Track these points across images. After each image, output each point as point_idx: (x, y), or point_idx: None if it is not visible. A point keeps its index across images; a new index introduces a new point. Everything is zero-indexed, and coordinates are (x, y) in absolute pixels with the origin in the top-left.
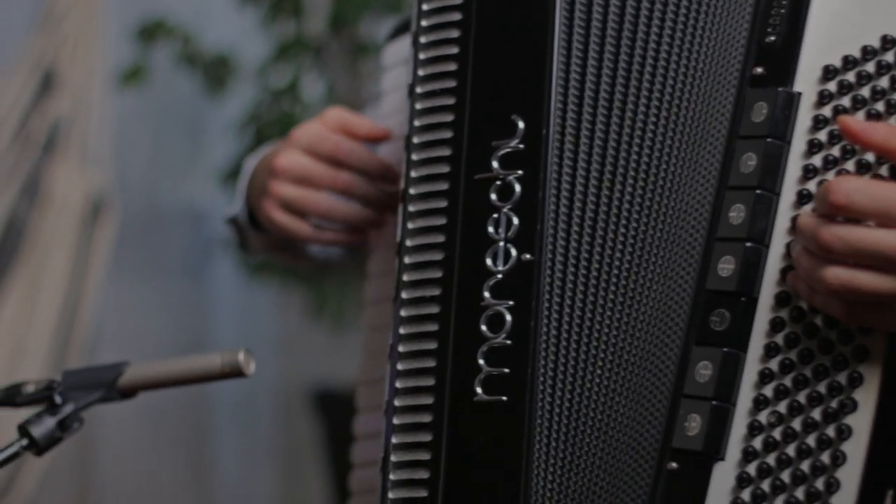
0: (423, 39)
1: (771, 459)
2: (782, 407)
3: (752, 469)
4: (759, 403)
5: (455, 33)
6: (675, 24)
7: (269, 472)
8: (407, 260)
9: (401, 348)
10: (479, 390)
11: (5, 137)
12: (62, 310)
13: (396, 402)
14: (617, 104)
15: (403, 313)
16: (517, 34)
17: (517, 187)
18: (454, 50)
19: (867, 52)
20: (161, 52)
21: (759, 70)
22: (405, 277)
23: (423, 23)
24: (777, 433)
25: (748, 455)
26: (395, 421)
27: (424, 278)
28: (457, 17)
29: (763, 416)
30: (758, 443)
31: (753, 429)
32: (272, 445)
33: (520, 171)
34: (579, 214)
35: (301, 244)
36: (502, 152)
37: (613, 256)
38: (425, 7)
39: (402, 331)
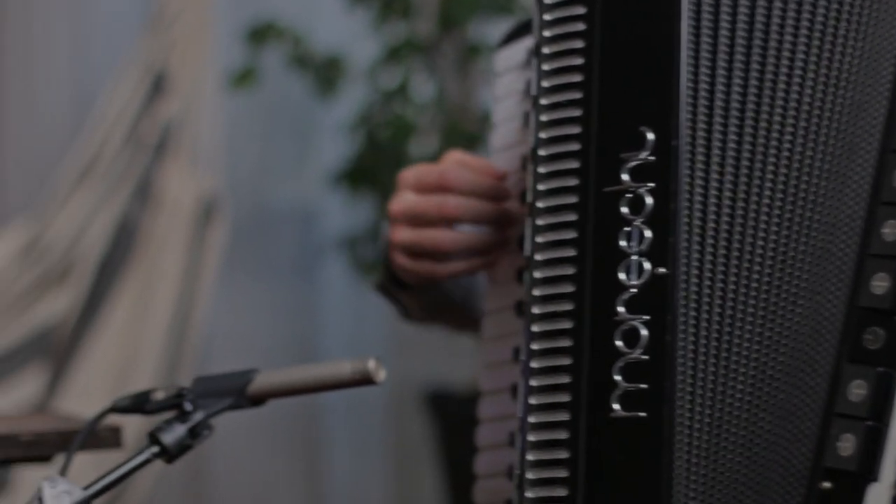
0: (546, 50)
1: None
2: None
3: None
4: None
5: (579, 44)
6: (811, 31)
7: (382, 474)
8: (537, 274)
9: (534, 364)
10: (616, 406)
11: (117, 139)
12: (175, 313)
13: (531, 419)
14: (750, 113)
15: (535, 329)
16: (643, 43)
17: (648, 200)
18: (579, 61)
19: None
20: (271, 54)
21: None
22: (536, 292)
23: (546, 33)
24: None
25: None
26: (531, 438)
27: (556, 293)
28: (580, 27)
29: None
30: None
31: None
32: (385, 447)
33: (651, 184)
34: (713, 227)
35: (468, 302)
36: (632, 164)
37: (752, 269)
38: (547, 17)
39: (534, 346)
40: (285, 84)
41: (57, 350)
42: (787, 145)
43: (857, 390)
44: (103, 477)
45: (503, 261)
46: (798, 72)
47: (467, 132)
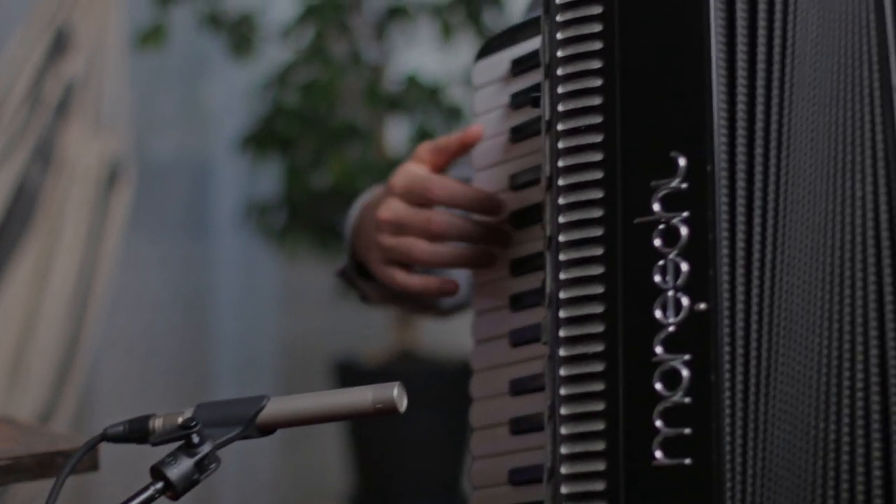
0: (560, 71)
1: None
2: None
3: None
4: None
5: (597, 63)
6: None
7: (275, 442)
8: (563, 314)
9: (563, 411)
10: (658, 454)
11: (16, 98)
12: (78, 277)
13: (563, 470)
14: (788, 134)
15: (563, 372)
16: (669, 61)
17: (683, 230)
18: (598, 82)
19: None
20: (182, 12)
21: None
22: (562, 333)
23: (560, 53)
24: None
25: None
26: (564, 490)
27: (585, 333)
28: (598, 45)
29: None
30: None
31: None
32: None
33: (685, 213)
34: (759, 257)
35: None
36: (663, 193)
37: (793, 301)
38: (560, 36)
39: (563, 391)
40: (197, 44)
41: None
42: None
43: None
44: None
45: (490, 284)
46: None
47: (386, 95)
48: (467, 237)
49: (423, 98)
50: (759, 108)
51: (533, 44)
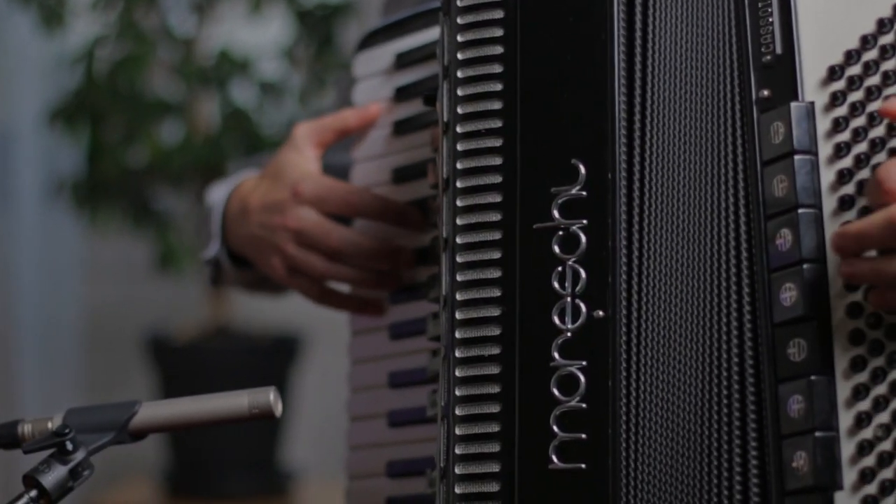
0: (460, 74)
1: (890, 473)
2: (885, 417)
3: (872, 488)
4: (861, 420)
5: (498, 68)
6: None
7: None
8: (459, 315)
9: (458, 411)
10: (553, 458)
11: None
12: None
13: (457, 470)
14: (662, 146)
15: (459, 373)
16: (571, 67)
17: (583, 238)
18: (498, 87)
19: (866, 41)
20: None
21: (766, 93)
22: (458, 335)
23: (460, 56)
24: (889, 445)
25: (865, 476)
26: (458, 490)
27: (481, 335)
28: (499, 50)
29: (869, 432)
30: (871, 460)
31: (863, 448)
32: (78, 381)
33: (584, 221)
34: (646, 265)
35: None
36: (562, 199)
37: (671, 310)
38: (461, 39)
39: (458, 392)
40: (5, 16)
41: None
42: None
43: (796, 406)
44: None
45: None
46: None
47: (198, 69)
48: (368, 256)
49: (234, 72)
50: (657, 115)
51: (417, 38)
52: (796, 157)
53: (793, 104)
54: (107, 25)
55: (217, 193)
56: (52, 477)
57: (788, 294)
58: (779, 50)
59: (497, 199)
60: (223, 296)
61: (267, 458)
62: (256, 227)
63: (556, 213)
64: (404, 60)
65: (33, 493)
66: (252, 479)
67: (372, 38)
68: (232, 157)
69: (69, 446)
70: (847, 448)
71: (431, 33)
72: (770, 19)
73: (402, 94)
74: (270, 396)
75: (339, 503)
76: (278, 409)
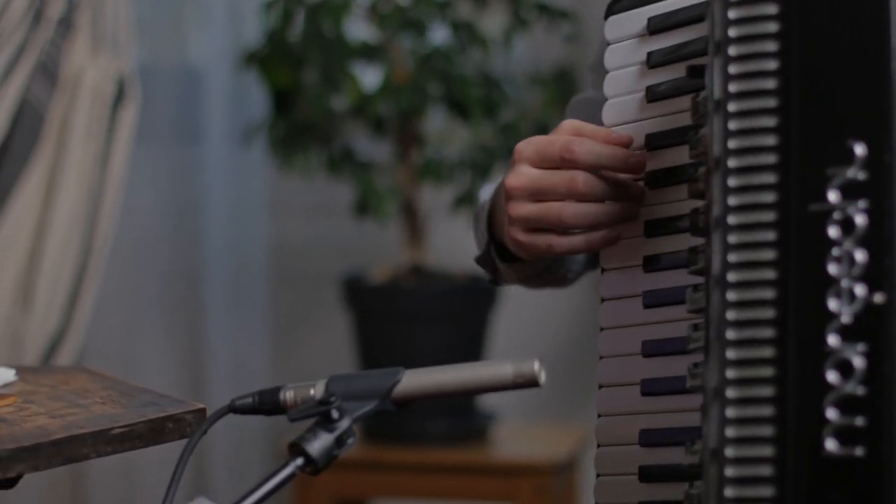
0: (732, 51)
1: None
2: None
3: None
4: None
5: (773, 46)
6: None
7: (266, 352)
8: (731, 297)
9: (730, 393)
10: (828, 443)
11: (16, 12)
12: (87, 196)
13: (729, 453)
14: None
15: (731, 355)
16: (849, 47)
17: (860, 220)
18: (773, 65)
19: None
20: None
21: None
22: (730, 316)
23: (732, 33)
24: None
25: None
26: (729, 473)
27: (755, 318)
28: (773, 27)
29: None
30: None
31: None
32: (266, 321)
33: (862, 203)
34: None
35: (558, 265)
36: (839, 181)
37: None
38: (733, 16)
39: (730, 374)
40: None
41: None
42: None
43: None
44: (246, 496)
45: (622, 243)
46: None
47: (399, 8)
48: (613, 196)
49: (432, 14)
50: None
51: (667, 4)
52: None
53: None
54: None
55: (486, 192)
56: (319, 445)
57: None
58: None
59: (771, 179)
60: (421, 238)
61: (464, 402)
62: (497, 209)
63: (830, 195)
64: (656, 25)
65: (300, 460)
66: (449, 424)
67: (622, 2)
68: (432, 101)
69: (335, 414)
70: None
71: None
72: None
73: (655, 60)
74: (535, 366)
75: (536, 446)
76: (542, 378)
